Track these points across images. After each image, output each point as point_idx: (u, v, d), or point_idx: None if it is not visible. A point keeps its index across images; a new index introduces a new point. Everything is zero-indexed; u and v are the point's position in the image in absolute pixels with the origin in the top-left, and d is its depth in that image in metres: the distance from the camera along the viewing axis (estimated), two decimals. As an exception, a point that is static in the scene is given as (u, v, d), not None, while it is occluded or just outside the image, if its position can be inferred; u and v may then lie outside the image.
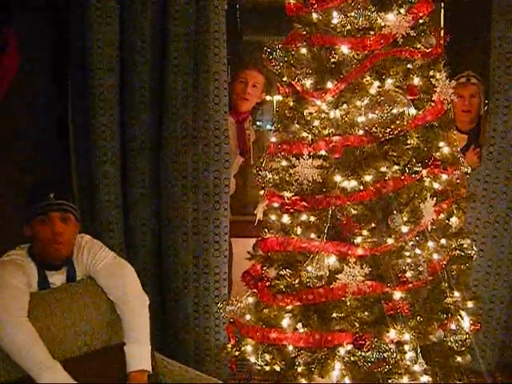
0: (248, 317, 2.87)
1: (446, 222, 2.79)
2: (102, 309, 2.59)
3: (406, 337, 2.57)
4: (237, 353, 2.89)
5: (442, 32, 2.76)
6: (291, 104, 2.78)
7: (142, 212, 3.66)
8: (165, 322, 3.71)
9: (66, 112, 3.63)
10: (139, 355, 2.59)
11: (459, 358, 2.77)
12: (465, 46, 3.32)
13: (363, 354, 2.54)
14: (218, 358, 3.66)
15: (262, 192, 2.92)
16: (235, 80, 3.93)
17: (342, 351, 2.60)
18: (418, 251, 2.63)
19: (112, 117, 3.51)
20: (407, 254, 2.61)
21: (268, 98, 5.71)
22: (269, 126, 6.59)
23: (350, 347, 2.58)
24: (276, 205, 2.81)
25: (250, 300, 2.89)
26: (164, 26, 3.46)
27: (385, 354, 2.53)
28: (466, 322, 2.72)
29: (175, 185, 3.57)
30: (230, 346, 2.96)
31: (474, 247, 2.85)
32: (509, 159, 3.52)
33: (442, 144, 2.74)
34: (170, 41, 3.46)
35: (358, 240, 2.59)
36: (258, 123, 5.31)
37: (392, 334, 2.56)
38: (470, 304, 2.79)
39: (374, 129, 2.52)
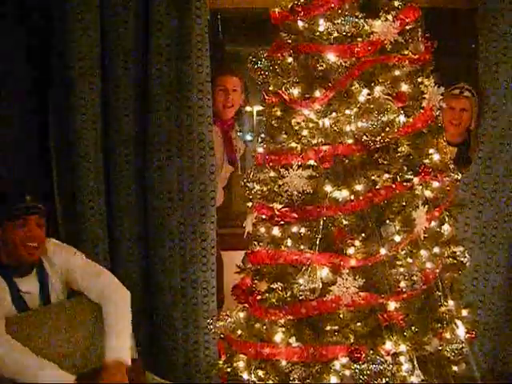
0: (239, 332, 2.81)
1: (438, 229, 2.75)
2: (89, 330, 2.52)
3: (402, 348, 2.53)
4: (229, 369, 2.82)
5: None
6: (278, 114, 2.73)
7: (128, 225, 3.58)
8: (154, 338, 3.63)
9: (46, 126, 3.54)
10: (117, 345, 2.53)
11: (455, 368, 2.73)
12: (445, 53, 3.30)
13: (359, 366, 2.49)
14: (208, 375, 3.59)
15: (249, 204, 2.87)
16: (213, 88, 3.85)
17: (337, 365, 2.55)
18: (411, 260, 2.59)
19: (95, 130, 3.44)
20: (400, 263, 2.57)
21: (248, 108, 5.70)
22: (249, 137, 6.56)
23: (345, 360, 2.54)
24: (263, 216, 2.77)
25: (241, 315, 2.83)
26: (146, 37, 3.40)
27: (381, 367, 2.48)
28: (462, 331, 2.69)
29: (161, 198, 3.50)
30: (221, 362, 2.89)
31: (467, 255, 2.81)
32: (497, 165, 3.52)
33: (431, 151, 2.70)
34: (152, 52, 3.41)
35: (351, 251, 2.54)
36: (238, 134, 5.25)
37: (388, 345, 2.51)
38: (464, 312, 2.76)
39: (364, 137, 2.48)
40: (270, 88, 2.77)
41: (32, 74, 3.50)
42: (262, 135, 2.84)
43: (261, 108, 5.71)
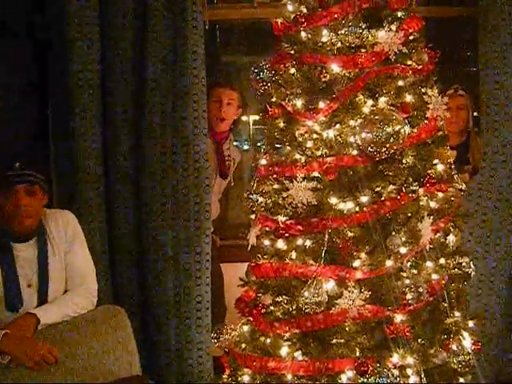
0: (243, 345, 2.78)
1: (443, 240, 2.73)
2: (94, 347, 2.47)
3: (409, 360, 2.51)
4: (233, 383, 2.79)
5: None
6: (281, 125, 2.71)
7: (124, 238, 3.54)
8: (147, 354, 3.58)
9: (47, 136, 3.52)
10: (42, 308, 2.53)
11: (462, 379, 2.70)
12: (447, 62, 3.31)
13: (366, 380, 2.46)
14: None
15: (253, 216, 2.84)
16: (209, 100, 3.77)
17: (343, 378, 2.52)
18: (416, 272, 2.57)
19: (94, 143, 3.41)
20: (406, 275, 2.55)
21: (244, 118, 5.68)
22: (246, 147, 6.55)
23: (351, 374, 2.51)
24: (267, 229, 2.74)
25: (245, 328, 2.80)
26: (143, 47, 3.37)
27: (388, 380, 2.45)
28: (468, 342, 2.66)
29: (154, 211, 3.47)
30: (225, 376, 2.86)
31: (472, 265, 2.79)
32: (500, 175, 3.52)
33: (436, 161, 2.69)
34: (148, 63, 3.39)
35: (357, 263, 2.52)
36: (234, 143, 5.23)
37: (394, 358, 2.49)
38: (470, 323, 2.74)
39: (369, 148, 2.46)
40: (273, 99, 2.75)
41: (32, 85, 3.47)
42: (264, 146, 2.81)
43: (257, 117, 5.73)
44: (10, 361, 2.34)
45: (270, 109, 2.77)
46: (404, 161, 2.57)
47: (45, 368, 2.33)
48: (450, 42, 4.52)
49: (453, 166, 2.78)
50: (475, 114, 3.89)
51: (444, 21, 4.18)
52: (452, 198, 2.74)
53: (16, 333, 2.38)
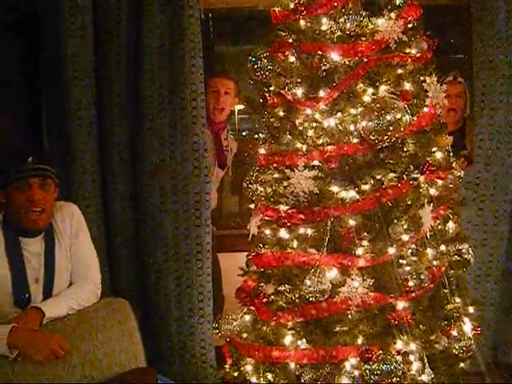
0: (245, 335, 2.79)
1: (443, 227, 2.75)
2: (99, 340, 2.45)
3: (412, 347, 2.53)
4: (236, 373, 2.80)
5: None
6: (281, 114, 2.70)
7: (122, 229, 3.52)
8: (149, 345, 3.55)
9: (40, 129, 3.47)
10: (47, 302, 2.51)
11: (463, 364, 2.73)
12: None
13: (370, 367, 2.48)
14: (204, 381, 3.53)
15: (252, 206, 2.84)
16: (206, 90, 3.78)
17: (347, 365, 2.53)
18: (418, 259, 2.58)
19: (90, 134, 3.38)
20: (408, 262, 2.56)
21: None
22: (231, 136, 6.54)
23: (355, 361, 2.52)
24: (268, 218, 2.74)
25: (247, 317, 2.80)
26: (139, 38, 3.34)
27: (392, 366, 2.47)
28: (468, 328, 2.69)
29: (153, 201, 3.45)
30: (227, 366, 2.86)
31: (471, 251, 2.81)
32: (497, 161, 3.54)
33: (435, 149, 2.70)
34: (144, 52, 3.35)
35: (359, 251, 2.53)
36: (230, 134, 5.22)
37: (398, 344, 2.50)
38: (470, 309, 2.76)
39: (370, 136, 2.47)
40: (271, 88, 2.74)
41: (25, 78, 3.43)
42: (264, 136, 2.81)
43: (242, 107, 5.71)
44: (18, 355, 2.32)
45: (268, 97, 2.76)
46: (405, 149, 2.58)
47: (53, 361, 2.32)
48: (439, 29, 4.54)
49: (451, 154, 2.79)
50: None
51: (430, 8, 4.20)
52: (451, 185, 2.76)
53: (23, 326, 2.36)
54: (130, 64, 3.39)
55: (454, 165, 2.77)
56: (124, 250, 3.53)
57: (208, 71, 3.78)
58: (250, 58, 2.74)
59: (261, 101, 2.82)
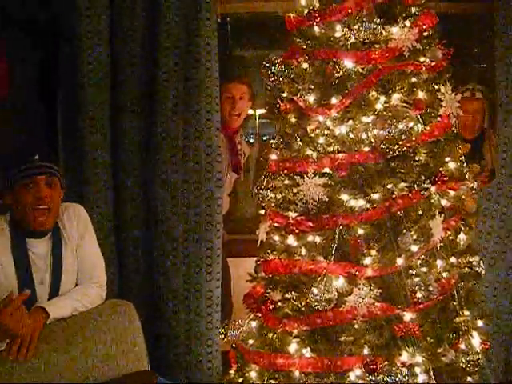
0: (251, 341, 2.77)
1: (454, 239, 2.72)
2: (102, 341, 2.45)
3: (418, 359, 2.49)
4: (240, 379, 2.78)
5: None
6: (293, 120, 2.69)
7: (134, 233, 3.52)
8: (156, 349, 3.55)
9: (56, 132, 3.49)
10: (53, 302, 2.50)
11: (470, 379, 2.69)
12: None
13: (374, 378, 2.45)
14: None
15: (262, 212, 2.83)
16: (220, 96, 3.65)
17: (351, 376, 2.51)
18: (427, 270, 2.55)
19: (102, 136, 3.38)
20: (416, 273, 2.53)
21: (250, 111, 5.65)
22: (251, 140, 6.55)
23: (359, 372, 2.50)
24: (277, 225, 2.73)
25: (253, 324, 2.79)
26: (154, 40, 3.34)
27: (396, 378, 2.44)
28: (477, 342, 2.65)
29: (165, 205, 3.44)
30: (232, 372, 2.85)
31: (482, 264, 2.77)
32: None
33: (448, 159, 2.67)
34: (159, 56, 3.35)
35: (367, 261, 2.50)
36: (243, 137, 5.20)
37: (404, 356, 2.47)
38: (480, 323, 2.72)
39: (381, 145, 2.45)
40: (284, 94, 2.73)
41: (41, 78, 3.45)
42: (275, 142, 2.79)
43: (263, 111, 5.70)
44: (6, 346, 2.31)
45: (281, 104, 2.75)
46: (416, 158, 2.56)
47: (55, 361, 2.32)
48: (461, 38, 4.49)
49: (464, 164, 2.76)
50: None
51: (453, 17, 4.16)
52: (463, 197, 2.72)
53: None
54: (144, 66, 3.39)
55: (467, 176, 2.74)
56: (133, 252, 3.52)
57: (225, 75, 3.77)
58: (264, 63, 2.73)
59: (275, 107, 2.82)
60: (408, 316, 2.51)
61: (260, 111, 6.09)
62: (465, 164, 2.74)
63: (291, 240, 2.64)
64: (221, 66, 3.46)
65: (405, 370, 2.45)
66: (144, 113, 3.43)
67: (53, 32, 3.36)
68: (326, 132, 2.58)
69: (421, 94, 2.58)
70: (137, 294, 3.50)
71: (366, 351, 2.50)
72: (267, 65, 2.73)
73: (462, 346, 2.61)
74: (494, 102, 3.57)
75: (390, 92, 2.54)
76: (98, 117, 3.36)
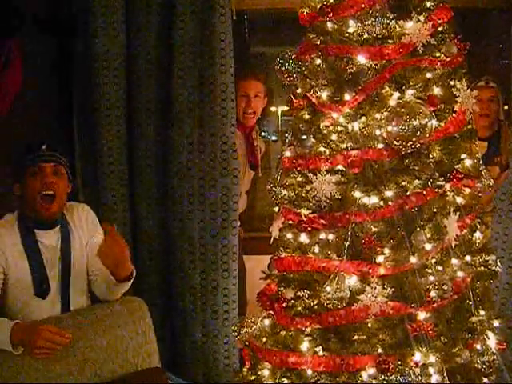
0: (264, 339, 2.75)
1: (470, 237, 2.67)
2: (113, 337, 2.46)
3: (431, 359, 2.45)
4: (253, 377, 2.77)
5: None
6: (306, 117, 2.67)
7: (149, 230, 3.53)
8: (173, 346, 3.56)
9: (71, 128, 3.51)
10: None
11: (486, 380, 2.64)
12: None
13: (387, 378, 2.42)
14: (228, 384, 3.51)
15: (276, 209, 2.81)
16: (235, 93, 3.62)
17: (364, 375, 2.48)
18: (441, 269, 2.51)
19: (118, 132, 3.39)
20: (430, 271, 2.49)
21: (272, 108, 5.62)
22: (274, 137, 6.52)
23: (372, 371, 2.47)
24: (290, 222, 2.70)
25: (266, 322, 2.77)
26: (169, 37, 3.34)
27: (409, 378, 2.41)
28: (493, 342, 2.60)
29: (181, 202, 3.44)
30: (245, 369, 2.83)
31: (499, 263, 2.72)
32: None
33: (463, 156, 2.62)
34: (175, 52, 3.35)
35: (380, 259, 2.47)
36: (263, 134, 5.19)
37: (417, 356, 2.44)
38: (496, 323, 2.67)
39: (395, 142, 2.41)
40: (298, 91, 2.71)
41: (57, 77, 3.47)
42: (289, 138, 2.77)
43: (286, 108, 5.69)
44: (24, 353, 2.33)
45: (294, 100, 2.73)
46: (430, 155, 2.52)
47: (51, 355, 2.31)
48: (480, 33, 4.44)
49: (481, 162, 2.71)
50: (505, 107, 3.81)
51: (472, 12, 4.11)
52: (480, 194, 2.67)
53: (24, 323, 2.37)
54: (160, 63, 3.39)
55: (483, 173, 2.69)
56: (150, 249, 3.53)
57: (244, 73, 3.76)
58: (278, 60, 2.71)
59: (289, 103, 2.80)
60: (422, 315, 2.46)
61: (282, 108, 6.07)
62: (481, 162, 2.70)
63: (304, 237, 2.61)
64: (240, 63, 3.45)
65: (418, 370, 2.42)
66: (159, 109, 3.44)
67: (69, 30, 3.37)
68: (339, 129, 2.55)
69: (436, 90, 2.53)
70: (153, 291, 3.52)
71: (378, 350, 2.46)
72: (281, 61, 2.71)
73: (478, 347, 2.57)
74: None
75: (404, 88, 2.49)
76: (113, 114, 3.37)
